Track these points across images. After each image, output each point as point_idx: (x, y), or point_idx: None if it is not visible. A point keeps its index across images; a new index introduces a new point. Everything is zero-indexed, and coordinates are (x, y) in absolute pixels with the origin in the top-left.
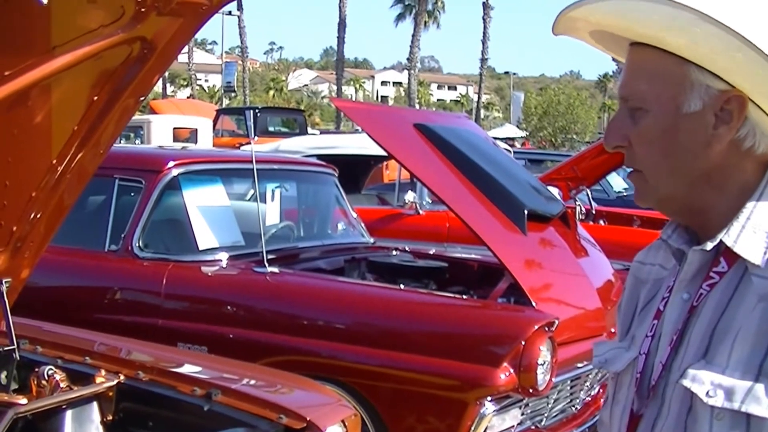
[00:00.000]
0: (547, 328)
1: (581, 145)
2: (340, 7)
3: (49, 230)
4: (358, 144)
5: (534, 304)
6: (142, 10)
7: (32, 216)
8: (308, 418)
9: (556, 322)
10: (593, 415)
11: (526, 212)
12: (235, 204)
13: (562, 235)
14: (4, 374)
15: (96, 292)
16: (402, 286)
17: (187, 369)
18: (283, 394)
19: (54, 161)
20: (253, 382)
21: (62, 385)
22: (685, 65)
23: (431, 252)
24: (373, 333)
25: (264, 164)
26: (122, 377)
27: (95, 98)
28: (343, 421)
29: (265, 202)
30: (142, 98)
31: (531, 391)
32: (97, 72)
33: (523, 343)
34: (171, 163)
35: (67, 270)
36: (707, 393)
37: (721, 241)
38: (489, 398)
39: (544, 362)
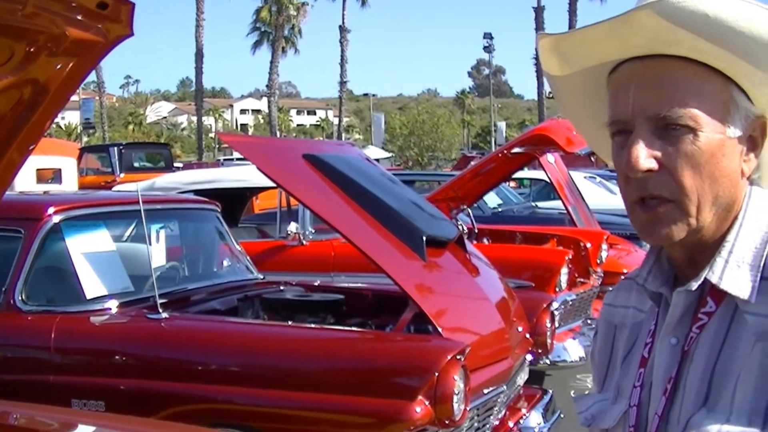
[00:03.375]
0: (459, 357)
1: (447, 163)
2: (196, 38)
3: None
4: (236, 177)
5: (441, 332)
6: (32, 50)
7: None
8: None
9: (467, 349)
10: None
11: (424, 239)
12: (118, 246)
13: (458, 258)
14: None
15: None
16: (297, 323)
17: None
18: None
19: None
20: None
21: None
22: (729, 85)
23: (316, 283)
24: (279, 374)
25: (148, 204)
26: None
27: None
28: None
29: (150, 244)
30: (32, 147)
31: (447, 422)
32: None
33: (436, 374)
34: (51, 210)
35: None
36: None
37: (705, 279)
38: None
39: (459, 392)
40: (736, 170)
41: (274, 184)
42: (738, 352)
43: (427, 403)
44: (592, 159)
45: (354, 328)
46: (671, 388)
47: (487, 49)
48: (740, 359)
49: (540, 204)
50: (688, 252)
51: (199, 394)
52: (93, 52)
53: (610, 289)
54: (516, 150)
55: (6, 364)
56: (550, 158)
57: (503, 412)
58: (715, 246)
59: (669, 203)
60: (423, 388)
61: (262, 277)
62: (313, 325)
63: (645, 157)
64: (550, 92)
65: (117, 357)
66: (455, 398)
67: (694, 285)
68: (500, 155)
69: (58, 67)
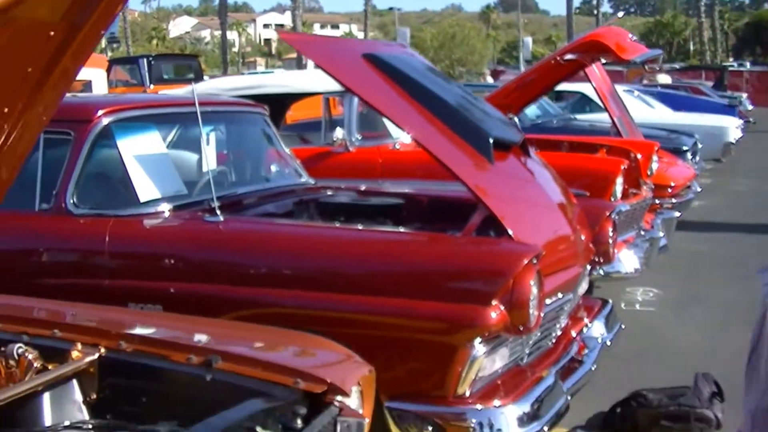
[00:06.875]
0: (534, 261)
1: (477, 77)
2: None
3: None
4: (277, 82)
5: (512, 236)
6: None
7: None
8: (329, 381)
9: (542, 253)
10: (566, 351)
11: (491, 141)
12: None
13: (522, 162)
14: None
15: (31, 256)
16: (361, 226)
17: (175, 334)
18: (294, 356)
19: None
20: (254, 343)
21: (36, 364)
22: None
23: (362, 189)
24: (348, 278)
25: (200, 107)
26: (102, 350)
27: (29, 69)
28: (358, 381)
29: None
30: (88, 53)
31: (522, 328)
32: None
33: (512, 279)
34: (101, 112)
35: None
36: None
37: None
38: (479, 340)
39: (534, 298)
40: None
41: (316, 90)
42: None
43: (502, 308)
44: (646, 68)
45: (425, 232)
46: None
47: None
48: None
49: (578, 116)
50: None
51: (262, 299)
52: None
53: (657, 201)
54: (568, 57)
55: (59, 267)
56: (595, 69)
57: (566, 321)
58: None
59: None
60: (498, 293)
61: (313, 181)
62: (385, 228)
63: None
64: (577, 8)
65: (174, 261)
66: (531, 304)
67: None
68: (552, 62)
69: None
